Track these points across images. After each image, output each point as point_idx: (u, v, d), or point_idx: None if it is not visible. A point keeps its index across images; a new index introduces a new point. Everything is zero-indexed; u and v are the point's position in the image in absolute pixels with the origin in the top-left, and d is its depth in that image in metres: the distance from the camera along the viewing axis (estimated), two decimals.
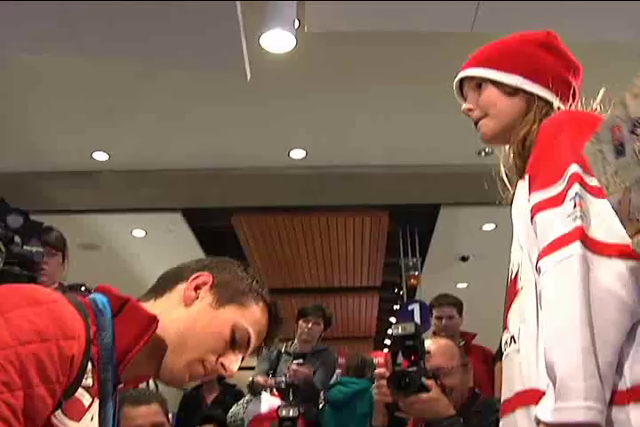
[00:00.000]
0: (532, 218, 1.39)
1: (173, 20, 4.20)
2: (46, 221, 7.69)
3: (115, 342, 1.26)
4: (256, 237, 8.22)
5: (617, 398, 1.23)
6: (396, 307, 7.14)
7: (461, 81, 1.77)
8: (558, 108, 1.61)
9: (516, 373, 1.36)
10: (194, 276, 1.42)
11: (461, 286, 10.00)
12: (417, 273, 8.41)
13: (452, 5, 4.08)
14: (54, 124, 6.36)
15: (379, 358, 2.37)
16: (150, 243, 8.38)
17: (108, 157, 7.03)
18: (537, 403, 1.24)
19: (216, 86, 5.65)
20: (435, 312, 4.53)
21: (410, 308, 7.44)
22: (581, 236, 1.27)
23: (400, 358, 2.32)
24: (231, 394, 4.96)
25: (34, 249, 2.70)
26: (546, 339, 1.27)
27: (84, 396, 1.17)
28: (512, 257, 1.52)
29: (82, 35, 4.36)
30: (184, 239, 8.07)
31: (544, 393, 1.25)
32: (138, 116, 6.20)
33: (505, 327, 1.45)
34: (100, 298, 1.31)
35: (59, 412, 1.12)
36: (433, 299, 4.70)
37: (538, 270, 1.33)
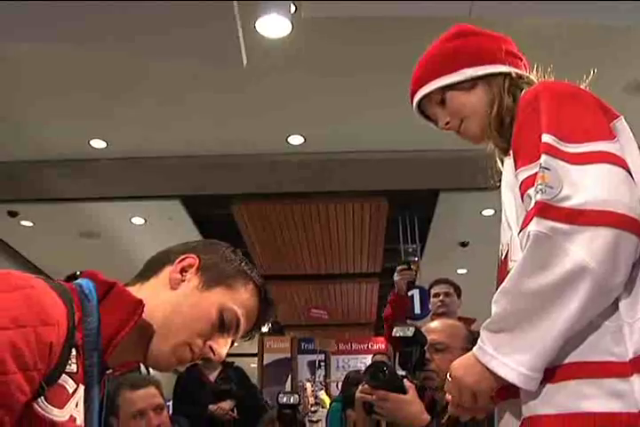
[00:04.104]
0: (522, 196, 1.38)
1: (169, 6, 4.16)
2: (46, 210, 7.75)
3: (100, 327, 1.24)
4: (255, 225, 8.20)
5: (619, 369, 1.23)
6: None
7: (421, 106, 1.77)
8: (519, 77, 1.62)
9: None
10: (180, 258, 1.40)
11: (461, 271, 10.00)
12: (416, 259, 8.39)
13: None
14: (51, 113, 6.33)
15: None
16: (150, 230, 8.38)
17: (105, 144, 7.01)
18: None
19: (213, 73, 5.63)
20: (432, 291, 4.58)
21: (410, 293, 7.42)
22: (537, 211, 1.27)
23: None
24: (233, 371, 5.02)
25: None
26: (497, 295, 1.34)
27: (67, 382, 1.16)
28: (501, 237, 1.51)
29: (72, 24, 4.35)
30: (184, 227, 8.06)
31: None
32: (135, 103, 6.17)
33: None
34: (86, 283, 1.30)
35: (41, 399, 1.10)
36: (431, 283, 4.75)
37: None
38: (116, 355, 1.29)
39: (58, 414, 1.13)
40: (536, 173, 1.32)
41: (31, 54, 5.36)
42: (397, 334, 2.30)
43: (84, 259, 7.90)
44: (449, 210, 8.03)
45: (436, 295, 4.52)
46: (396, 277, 4.42)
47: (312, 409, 7.55)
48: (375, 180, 7.33)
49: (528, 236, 1.27)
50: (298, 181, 7.30)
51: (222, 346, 1.37)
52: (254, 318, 1.43)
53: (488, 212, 7.93)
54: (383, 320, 4.39)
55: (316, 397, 8.27)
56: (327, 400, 7.94)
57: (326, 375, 10.79)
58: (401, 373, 2.26)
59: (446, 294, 4.50)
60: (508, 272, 1.36)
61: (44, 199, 7.62)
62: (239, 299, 1.39)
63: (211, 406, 4.63)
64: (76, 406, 1.18)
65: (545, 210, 1.26)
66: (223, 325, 1.36)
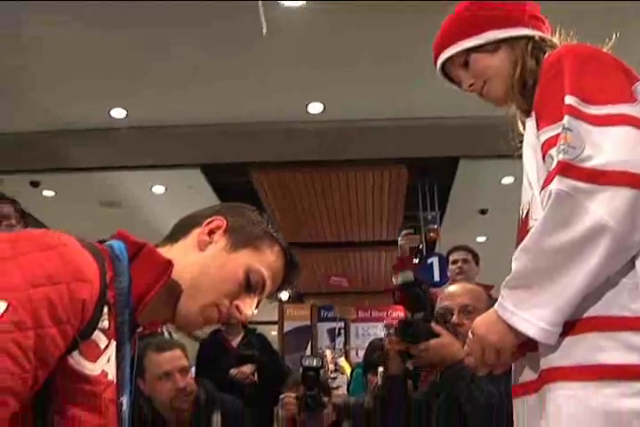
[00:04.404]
0: (543, 156, 1.40)
1: None
2: (67, 180, 7.78)
3: (131, 286, 1.29)
4: (275, 193, 8.22)
5: (635, 324, 1.28)
6: (416, 261, 7.14)
7: (445, 69, 1.78)
8: (542, 40, 1.63)
9: None
10: (208, 221, 1.44)
11: (481, 239, 9.99)
12: (436, 227, 8.40)
13: None
14: (70, 83, 6.35)
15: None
16: (170, 199, 8.42)
17: (125, 113, 7.03)
18: None
19: (233, 40, 5.61)
20: (450, 258, 4.61)
21: (429, 261, 7.45)
22: (559, 170, 1.29)
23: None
24: (255, 337, 5.08)
25: None
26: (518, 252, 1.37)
27: (99, 338, 1.20)
28: (522, 197, 1.53)
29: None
30: (204, 195, 8.08)
31: None
32: (154, 71, 6.18)
33: None
34: (117, 244, 1.35)
35: (75, 353, 1.15)
36: (449, 250, 4.78)
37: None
38: (145, 314, 1.33)
39: (90, 368, 1.18)
40: (558, 134, 1.34)
41: (52, 23, 5.36)
42: (400, 281, 2.36)
43: (105, 228, 7.86)
44: (469, 177, 8.01)
45: (454, 262, 4.56)
46: (400, 240, 4.46)
47: (332, 376, 7.63)
48: (394, 147, 7.32)
49: (549, 194, 1.29)
50: (317, 150, 7.30)
51: (248, 306, 1.41)
52: (279, 279, 1.48)
53: (508, 179, 7.92)
54: None
55: (335, 364, 8.34)
56: (347, 367, 8.01)
57: (346, 343, 10.86)
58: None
59: (464, 261, 4.54)
60: (529, 231, 1.38)
61: (66, 169, 7.67)
62: (265, 260, 1.43)
63: (232, 371, 4.70)
64: (108, 361, 1.23)
65: (567, 169, 1.28)
66: (249, 285, 1.40)
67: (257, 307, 1.46)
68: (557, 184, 1.28)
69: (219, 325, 4.87)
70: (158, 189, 8.47)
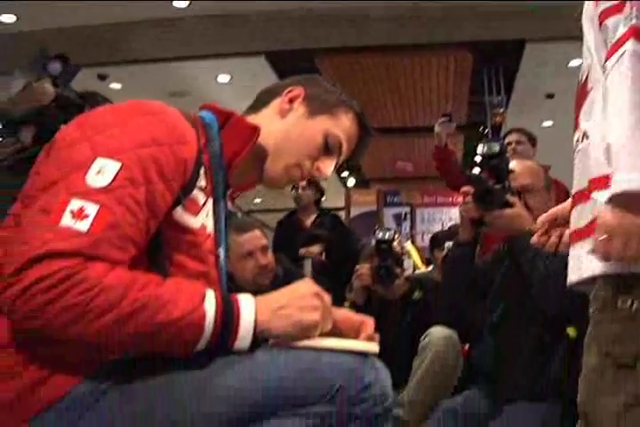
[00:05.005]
0: (600, 24, 1.42)
1: None
2: (134, 72, 7.84)
3: (222, 150, 1.43)
4: (340, 79, 8.16)
5: None
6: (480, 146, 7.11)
7: None
8: None
9: (590, 162, 1.40)
10: (287, 90, 1.57)
11: (547, 123, 9.86)
12: (502, 110, 8.31)
13: None
14: None
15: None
16: (236, 88, 8.47)
17: (188, 2, 7.01)
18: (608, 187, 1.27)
19: None
20: (505, 141, 4.61)
21: None
22: (634, 33, 1.30)
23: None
24: (329, 218, 5.22)
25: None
26: (607, 126, 1.32)
27: (199, 195, 1.35)
28: (583, 63, 1.56)
29: None
30: (269, 83, 8.04)
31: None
32: None
33: (576, 127, 1.49)
34: (206, 114, 1.48)
35: (179, 208, 1.30)
36: (504, 133, 4.76)
37: (604, 72, 1.37)
38: (236, 175, 1.49)
39: (192, 221, 1.33)
40: (617, 5, 1.36)
41: None
42: (485, 152, 2.42)
43: None
44: (535, 61, 7.85)
45: (509, 144, 4.55)
46: (436, 128, 4.45)
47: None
48: (460, 31, 7.20)
49: (622, 55, 1.32)
50: (382, 35, 7.22)
51: (327, 166, 1.55)
52: (354, 143, 1.61)
53: (575, 62, 7.72)
54: None
55: (402, 248, 8.48)
56: (414, 251, 8.14)
57: (412, 228, 10.97)
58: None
59: (518, 142, 4.52)
60: (587, 93, 1.43)
61: (132, 61, 7.75)
62: (341, 125, 1.56)
63: (301, 250, 4.85)
64: (207, 215, 1.38)
65: None
66: (328, 148, 1.53)
67: (335, 168, 1.60)
68: (632, 45, 1.29)
69: (299, 190, 5.10)
70: (223, 78, 8.52)
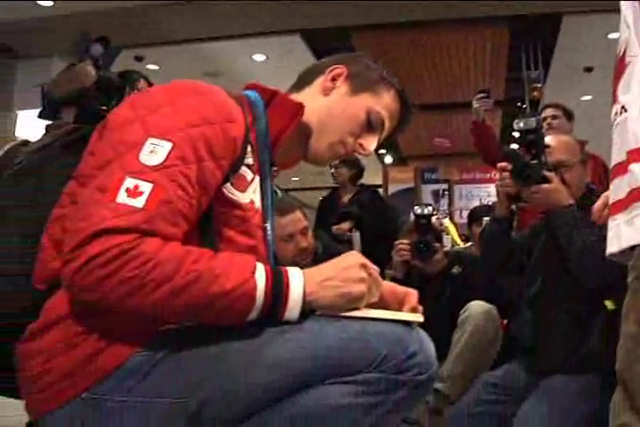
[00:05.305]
0: None
1: None
2: (170, 53, 7.84)
3: (268, 128, 1.47)
4: (377, 56, 8.13)
5: None
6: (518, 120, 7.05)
7: None
8: None
9: (629, 135, 1.42)
10: (330, 68, 1.59)
11: (586, 98, 9.74)
12: (540, 85, 8.23)
13: None
14: None
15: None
16: (271, 67, 8.50)
17: None
18: None
19: None
20: (541, 115, 4.58)
21: None
22: None
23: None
24: (368, 194, 5.25)
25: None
26: None
27: (246, 172, 1.40)
28: (620, 36, 1.57)
29: None
30: (304, 61, 8.06)
31: None
32: None
33: (615, 100, 1.50)
34: (252, 93, 1.52)
35: (228, 184, 1.34)
36: (540, 108, 4.73)
37: None
38: (281, 153, 1.53)
39: (241, 197, 1.38)
40: None
41: None
42: (521, 127, 2.43)
43: None
44: (573, 34, 7.76)
45: (544, 119, 4.53)
46: (474, 104, 4.43)
47: None
48: (496, 6, 7.11)
49: None
50: (418, 11, 7.15)
51: (370, 143, 1.59)
52: (396, 120, 1.64)
53: (614, 35, 7.59)
54: None
55: (440, 224, 8.47)
56: (452, 227, 8.13)
57: (450, 204, 10.97)
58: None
59: (553, 117, 4.50)
60: (626, 66, 1.45)
61: (168, 42, 7.80)
62: (383, 102, 1.59)
63: (333, 227, 4.90)
64: (254, 191, 1.43)
65: None
66: (370, 125, 1.57)
67: (377, 145, 1.64)
68: None
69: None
70: (259, 57, 8.55)
